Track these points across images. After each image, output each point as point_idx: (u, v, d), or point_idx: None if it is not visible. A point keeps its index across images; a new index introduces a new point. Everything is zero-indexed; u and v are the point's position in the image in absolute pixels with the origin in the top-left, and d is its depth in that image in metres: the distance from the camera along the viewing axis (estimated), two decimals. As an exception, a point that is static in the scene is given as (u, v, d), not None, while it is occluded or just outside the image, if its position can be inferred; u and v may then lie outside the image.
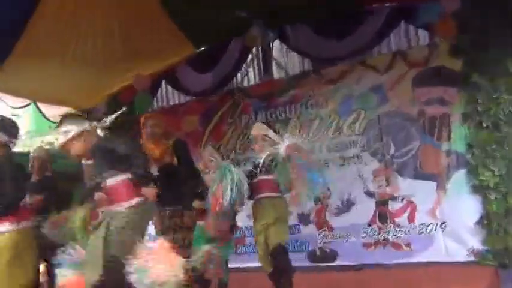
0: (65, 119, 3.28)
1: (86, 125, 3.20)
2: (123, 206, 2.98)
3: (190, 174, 3.92)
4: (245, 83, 5.47)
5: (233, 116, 5.39)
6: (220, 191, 3.36)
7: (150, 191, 3.08)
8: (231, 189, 3.32)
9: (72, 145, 3.16)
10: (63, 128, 3.20)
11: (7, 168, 3.56)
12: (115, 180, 3.05)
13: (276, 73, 5.30)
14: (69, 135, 3.15)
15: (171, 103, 6.03)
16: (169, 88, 5.99)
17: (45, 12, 4.22)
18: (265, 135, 3.56)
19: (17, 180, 3.57)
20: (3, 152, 3.64)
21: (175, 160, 4.00)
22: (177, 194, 3.89)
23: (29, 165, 4.60)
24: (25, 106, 6.12)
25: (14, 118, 4.00)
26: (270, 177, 3.56)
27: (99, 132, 3.33)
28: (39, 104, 6.20)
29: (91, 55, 4.81)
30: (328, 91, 4.83)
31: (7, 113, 8.92)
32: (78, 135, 3.16)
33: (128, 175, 3.07)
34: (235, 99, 5.37)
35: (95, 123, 3.33)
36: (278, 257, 3.40)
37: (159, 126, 4.11)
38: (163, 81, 5.91)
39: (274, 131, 3.63)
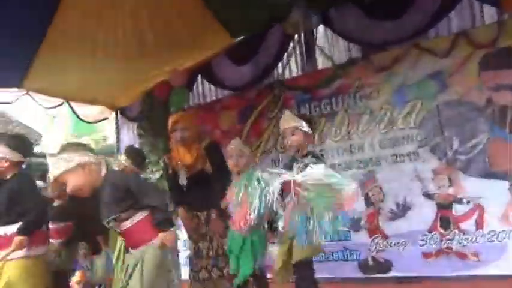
0: (66, 147, 3.03)
1: (90, 156, 2.99)
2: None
3: (224, 181, 3.65)
4: (286, 75, 5.17)
5: (274, 110, 5.09)
6: (247, 202, 3.05)
7: (169, 237, 2.91)
8: (260, 202, 2.99)
9: (70, 176, 2.91)
10: (64, 155, 2.94)
11: (23, 189, 3.44)
12: (132, 221, 2.92)
13: (321, 62, 4.96)
14: (70, 165, 2.91)
15: (208, 99, 5.81)
16: (206, 83, 5.77)
17: (71, 4, 4.04)
18: (297, 127, 3.16)
19: (34, 202, 3.41)
20: (16, 170, 3.54)
21: (208, 165, 3.76)
22: (209, 201, 3.70)
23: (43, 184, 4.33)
24: (58, 106, 6.04)
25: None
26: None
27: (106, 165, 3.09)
28: (72, 104, 6.17)
29: (122, 50, 4.65)
30: (379, 80, 4.44)
31: (42, 113, 9.11)
32: (81, 166, 2.94)
33: (146, 213, 2.92)
34: (275, 92, 5.07)
35: (101, 156, 3.12)
36: (301, 273, 3.02)
37: (190, 130, 3.87)
38: (200, 76, 5.70)
39: (309, 122, 3.23)
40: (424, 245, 4.16)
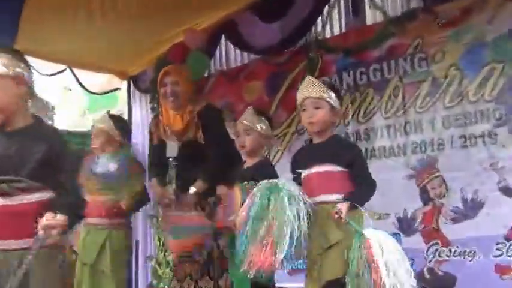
0: None
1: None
2: None
3: (220, 156, 3.29)
4: (326, 33, 4.62)
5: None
6: (271, 234, 2.36)
7: None
8: (291, 239, 2.32)
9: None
10: None
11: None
12: None
13: (370, 16, 4.42)
14: None
15: (232, 65, 5.33)
16: (229, 46, 5.30)
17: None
18: (322, 98, 2.66)
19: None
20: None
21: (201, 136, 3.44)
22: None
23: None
24: (58, 73, 5.71)
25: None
26: (334, 167, 2.61)
27: None
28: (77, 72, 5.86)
29: (131, 6, 4.40)
30: (446, 38, 3.84)
31: (56, 85, 8.87)
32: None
33: None
34: (312, 55, 4.53)
35: None
36: None
37: (183, 85, 3.55)
38: (223, 37, 5.23)
39: (337, 92, 2.77)
40: (499, 255, 3.55)
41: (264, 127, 3.13)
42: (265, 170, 3.02)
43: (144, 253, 5.53)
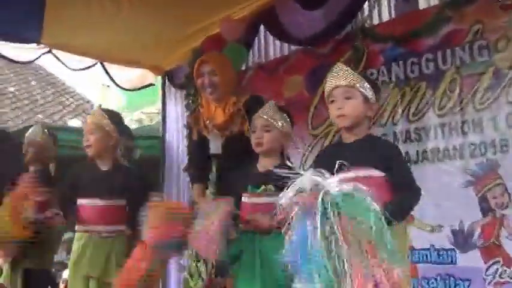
0: None
1: None
2: None
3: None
4: (374, 20, 4.38)
5: (354, 71, 4.26)
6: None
7: None
8: None
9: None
10: None
11: None
12: None
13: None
14: None
15: (271, 57, 5.14)
16: (268, 36, 5.11)
17: None
18: (353, 85, 2.42)
19: None
20: None
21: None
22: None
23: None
24: (87, 68, 5.68)
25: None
26: (370, 172, 2.32)
27: None
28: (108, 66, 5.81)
29: None
30: (510, 22, 3.50)
31: (97, 83, 8.92)
32: None
33: None
34: (357, 45, 4.27)
35: None
36: None
37: (223, 74, 3.36)
38: (262, 26, 5.04)
39: (372, 83, 2.52)
40: None
41: (285, 124, 2.93)
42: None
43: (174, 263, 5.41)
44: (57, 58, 5.39)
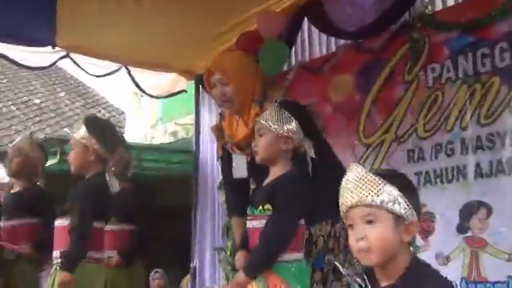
0: None
1: None
2: None
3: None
4: (436, 5, 4.17)
5: (413, 68, 4.07)
6: None
7: None
8: None
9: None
10: None
11: None
12: None
13: None
14: None
15: (316, 53, 4.95)
16: (313, 30, 4.93)
17: None
18: (374, 205, 1.84)
19: None
20: None
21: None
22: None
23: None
24: (110, 73, 5.56)
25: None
26: None
27: None
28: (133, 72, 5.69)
29: None
30: None
31: (127, 92, 8.86)
32: None
33: None
34: (416, 36, 4.04)
35: None
36: None
37: (235, 81, 3.09)
38: (305, 19, 4.86)
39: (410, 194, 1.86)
40: None
41: (285, 125, 2.72)
42: (286, 189, 2.64)
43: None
44: (75, 63, 5.27)
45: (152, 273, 6.85)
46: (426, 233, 3.70)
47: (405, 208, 1.77)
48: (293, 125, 2.74)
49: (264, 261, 2.61)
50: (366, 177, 1.79)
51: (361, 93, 4.35)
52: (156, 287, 6.79)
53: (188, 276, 5.53)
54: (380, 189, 1.76)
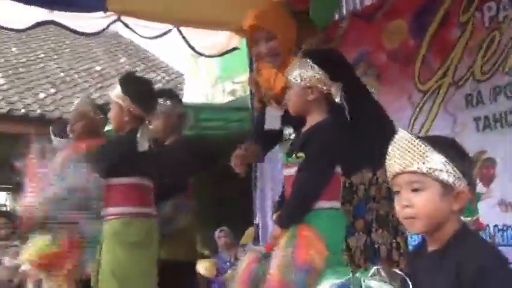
0: None
1: None
2: None
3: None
4: None
5: (468, 8, 3.81)
6: None
7: None
8: None
9: None
10: None
11: None
12: None
13: None
14: None
15: (368, 1, 4.65)
16: None
17: None
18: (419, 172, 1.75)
19: None
20: None
21: None
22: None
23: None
24: (161, 35, 5.51)
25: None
26: None
27: None
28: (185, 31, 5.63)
29: None
30: None
31: (185, 53, 8.84)
32: None
33: None
34: None
35: None
36: None
37: (282, 32, 2.99)
38: None
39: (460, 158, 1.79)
40: None
41: (307, 77, 2.64)
42: (317, 138, 2.59)
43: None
44: (127, 26, 5.24)
45: (218, 231, 6.87)
46: (488, 180, 3.54)
47: (454, 176, 1.70)
48: (316, 73, 2.65)
49: (296, 213, 2.59)
50: (412, 143, 1.72)
51: (416, 39, 4.14)
52: (224, 245, 6.81)
53: (251, 229, 5.48)
54: (427, 156, 1.70)
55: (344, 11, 4.75)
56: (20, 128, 8.12)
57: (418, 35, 4.13)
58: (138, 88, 3.46)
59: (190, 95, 8.63)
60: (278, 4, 3.36)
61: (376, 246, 2.79)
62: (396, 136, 1.75)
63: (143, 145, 3.32)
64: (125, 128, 3.40)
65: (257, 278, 2.52)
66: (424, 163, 1.69)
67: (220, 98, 8.27)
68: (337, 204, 2.66)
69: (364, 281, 1.64)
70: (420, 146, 1.69)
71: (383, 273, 1.68)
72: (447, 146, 1.74)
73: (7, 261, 6.05)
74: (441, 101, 3.88)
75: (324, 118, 2.66)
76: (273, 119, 3.03)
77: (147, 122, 3.46)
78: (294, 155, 2.63)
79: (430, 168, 1.68)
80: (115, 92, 3.40)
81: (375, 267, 1.69)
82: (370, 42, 4.45)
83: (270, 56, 3.00)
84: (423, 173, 1.69)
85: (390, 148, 1.76)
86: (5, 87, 9.75)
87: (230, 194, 7.18)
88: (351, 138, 2.65)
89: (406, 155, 1.70)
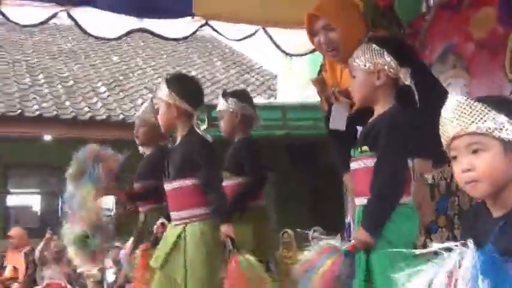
0: None
1: None
2: None
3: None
4: None
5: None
6: None
7: None
8: None
9: None
10: None
11: None
12: None
13: None
14: None
15: None
16: None
17: None
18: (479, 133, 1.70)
19: None
20: None
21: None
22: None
23: None
24: (247, 37, 5.62)
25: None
26: None
27: None
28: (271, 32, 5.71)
29: None
30: None
31: (278, 55, 8.92)
32: None
33: None
34: None
35: None
36: None
37: (342, 24, 2.81)
38: None
39: None
40: None
41: (374, 61, 2.48)
42: (386, 129, 2.42)
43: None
44: (215, 30, 5.39)
45: (311, 231, 6.87)
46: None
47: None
48: (384, 57, 2.49)
49: (383, 215, 2.39)
50: (468, 104, 1.65)
51: (505, 26, 3.97)
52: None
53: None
54: (485, 115, 1.63)
55: (431, 2, 4.69)
56: (117, 133, 8.39)
57: (508, 22, 3.95)
58: (183, 84, 3.44)
59: (283, 95, 8.70)
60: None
61: None
62: (448, 101, 1.70)
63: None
64: (173, 124, 3.39)
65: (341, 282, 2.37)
66: (482, 123, 1.63)
67: (313, 97, 8.27)
68: (410, 199, 2.49)
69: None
70: (477, 106, 1.64)
71: None
72: (505, 105, 1.68)
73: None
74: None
75: (391, 107, 2.53)
76: (338, 119, 2.90)
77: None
78: (358, 148, 2.51)
79: (489, 128, 1.63)
80: (161, 92, 3.37)
81: None
82: (457, 33, 4.34)
83: (328, 50, 2.84)
84: (483, 133, 1.64)
85: (443, 113, 1.71)
86: (105, 95, 10.17)
87: (323, 194, 7.17)
88: (425, 128, 2.39)
89: (463, 116, 1.64)
